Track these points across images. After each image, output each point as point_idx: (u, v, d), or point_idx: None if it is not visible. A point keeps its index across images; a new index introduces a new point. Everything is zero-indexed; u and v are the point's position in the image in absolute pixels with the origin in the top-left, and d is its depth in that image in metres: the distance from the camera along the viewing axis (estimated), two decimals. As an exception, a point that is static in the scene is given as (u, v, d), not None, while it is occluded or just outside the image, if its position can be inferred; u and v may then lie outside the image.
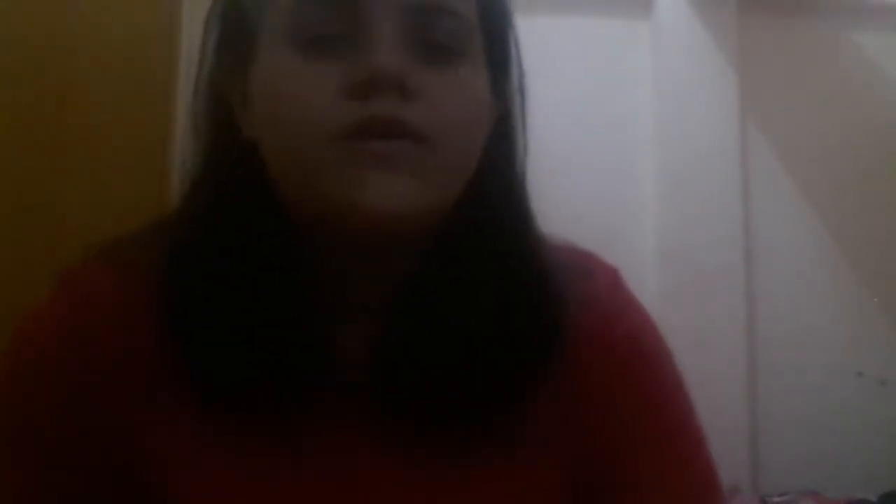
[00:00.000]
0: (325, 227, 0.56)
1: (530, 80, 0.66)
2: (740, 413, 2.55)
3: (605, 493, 0.61)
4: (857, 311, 2.68)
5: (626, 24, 2.70)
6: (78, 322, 0.57)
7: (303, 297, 0.58)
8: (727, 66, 2.64)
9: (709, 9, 2.65)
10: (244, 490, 0.57)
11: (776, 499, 2.42)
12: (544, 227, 0.66)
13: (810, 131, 2.72)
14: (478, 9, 0.59)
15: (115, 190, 1.24)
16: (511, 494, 0.60)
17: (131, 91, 1.26)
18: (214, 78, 0.61)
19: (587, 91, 2.62)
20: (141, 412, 0.57)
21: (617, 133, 2.64)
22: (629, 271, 0.74)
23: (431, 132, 0.54)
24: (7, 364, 0.59)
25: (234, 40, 0.60)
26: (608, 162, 2.62)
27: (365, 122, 0.52)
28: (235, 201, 0.58)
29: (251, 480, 0.57)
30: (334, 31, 0.54)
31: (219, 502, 0.57)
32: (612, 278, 0.68)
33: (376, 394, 0.58)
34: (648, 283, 2.45)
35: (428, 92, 0.54)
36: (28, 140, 1.24)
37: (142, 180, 1.24)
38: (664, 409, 0.64)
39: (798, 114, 2.72)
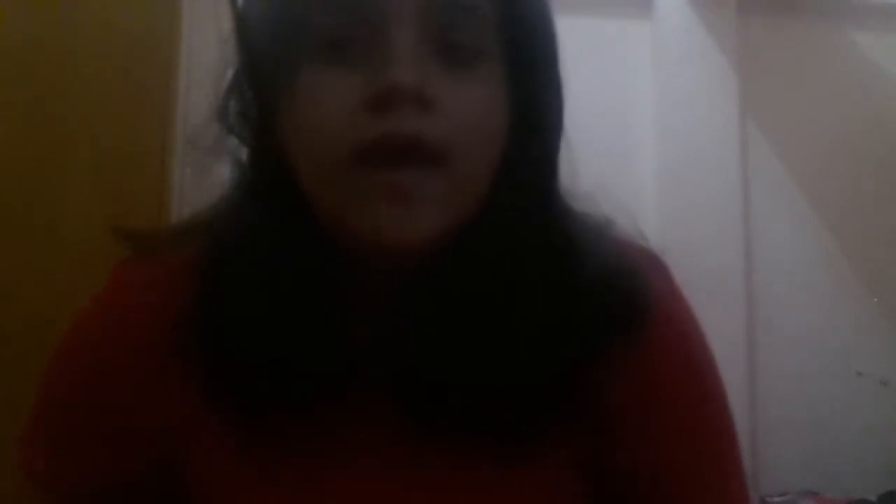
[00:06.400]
0: (347, 242, 0.56)
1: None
2: (740, 413, 2.53)
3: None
4: (857, 311, 2.68)
5: (626, 24, 2.69)
6: (116, 321, 0.60)
7: (330, 300, 0.58)
8: (727, 66, 2.64)
9: (709, 9, 2.64)
10: (273, 495, 0.57)
11: (776, 499, 2.42)
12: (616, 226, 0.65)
13: (810, 131, 2.72)
14: (500, 3, 0.57)
15: (115, 190, 1.24)
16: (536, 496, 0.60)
17: (131, 91, 1.26)
18: (259, 83, 0.59)
19: (587, 91, 2.61)
20: (173, 416, 0.58)
21: (616, 133, 2.64)
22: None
23: (449, 146, 0.52)
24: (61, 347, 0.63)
25: (269, 49, 0.57)
26: (608, 162, 2.62)
27: (382, 140, 0.51)
28: (269, 213, 0.58)
29: (280, 484, 0.57)
30: (354, 35, 0.53)
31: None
32: (665, 277, 0.68)
33: (403, 395, 0.58)
34: (648, 283, 2.44)
35: (447, 100, 0.53)
36: (28, 140, 1.24)
37: (142, 180, 1.24)
38: (704, 430, 0.65)
39: (798, 113, 2.71)
